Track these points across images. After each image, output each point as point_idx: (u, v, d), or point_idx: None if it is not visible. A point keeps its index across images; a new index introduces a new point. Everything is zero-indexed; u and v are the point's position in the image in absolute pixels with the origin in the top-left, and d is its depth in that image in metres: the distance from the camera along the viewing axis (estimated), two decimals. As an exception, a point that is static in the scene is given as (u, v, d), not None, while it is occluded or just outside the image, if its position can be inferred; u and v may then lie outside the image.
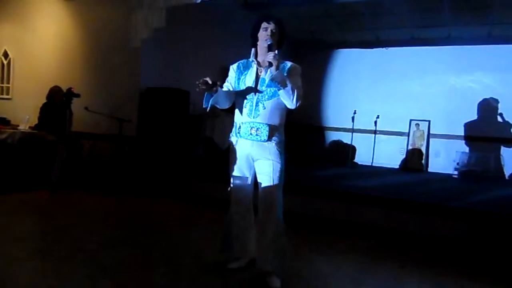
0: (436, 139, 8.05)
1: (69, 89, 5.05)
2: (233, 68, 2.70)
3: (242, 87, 2.59)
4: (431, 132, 8.08)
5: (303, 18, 7.72)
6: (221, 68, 7.22)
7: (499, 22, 7.02)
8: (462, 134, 7.78)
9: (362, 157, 8.20)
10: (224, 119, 6.52)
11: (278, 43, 2.54)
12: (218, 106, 2.59)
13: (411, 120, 8.20)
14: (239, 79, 2.63)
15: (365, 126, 8.09)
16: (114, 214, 4.24)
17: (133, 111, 5.74)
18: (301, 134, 8.98)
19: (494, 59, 7.52)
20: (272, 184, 2.51)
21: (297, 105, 2.46)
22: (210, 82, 2.40)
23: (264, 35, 2.52)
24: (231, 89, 2.65)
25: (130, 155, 5.64)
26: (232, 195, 2.70)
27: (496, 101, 7.56)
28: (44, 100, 5.62)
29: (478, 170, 7.15)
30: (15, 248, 2.91)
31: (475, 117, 7.71)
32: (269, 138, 2.48)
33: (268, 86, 2.50)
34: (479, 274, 3.04)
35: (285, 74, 2.46)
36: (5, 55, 7.00)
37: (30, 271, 2.53)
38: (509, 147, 7.37)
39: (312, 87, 9.19)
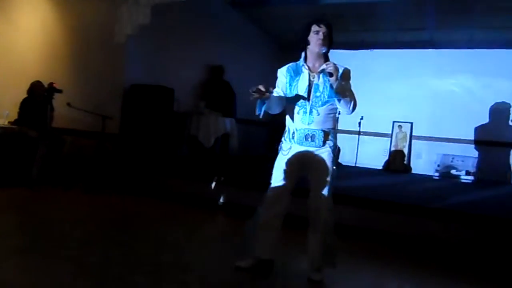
0: (418, 140, 8.18)
1: (51, 84, 4.96)
2: (282, 73, 2.68)
3: (295, 92, 2.59)
4: (413, 134, 8.20)
5: (289, 18, 7.74)
6: (206, 66, 7.25)
7: (481, 26, 7.18)
8: (444, 136, 7.92)
9: (345, 158, 8.28)
10: (208, 117, 6.50)
11: (329, 47, 2.59)
12: (270, 112, 2.62)
13: (394, 122, 8.31)
14: (290, 85, 2.62)
15: (349, 127, 8.16)
16: (95, 212, 4.18)
17: (117, 108, 5.67)
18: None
19: (475, 63, 7.69)
20: (325, 187, 2.57)
21: (355, 110, 2.55)
22: (263, 89, 2.40)
23: (316, 39, 2.57)
24: (282, 95, 2.63)
25: (112, 153, 5.57)
26: (269, 196, 2.69)
27: (479, 104, 7.72)
28: (25, 95, 5.51)
29: (458, 171, 7.31)
30: (-7, 245, 2.85)
31: (456, 119, 7.85)
32: (324, 144, 2.55)
33: (329, 96, 2.53)
34: (460, 274, 3.10)
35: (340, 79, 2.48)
36: (-15, 48, 6.82)
37: (10, 269, 2.48)
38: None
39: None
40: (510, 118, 7.55)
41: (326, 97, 2.53)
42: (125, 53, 5.70)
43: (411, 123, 8.19)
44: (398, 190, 5.48)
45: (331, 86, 2.47)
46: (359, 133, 8.05)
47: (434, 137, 8.00)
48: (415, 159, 8.19)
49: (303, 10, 7.29)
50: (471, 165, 7.46)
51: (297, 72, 2.63)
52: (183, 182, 5.07)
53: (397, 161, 8.12)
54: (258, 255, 2.66)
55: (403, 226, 3.86)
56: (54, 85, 4.93)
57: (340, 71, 2.50)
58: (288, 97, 2.62)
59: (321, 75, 2.53)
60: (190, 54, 6.74)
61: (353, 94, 2.52)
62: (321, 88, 2.55)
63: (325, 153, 2.56)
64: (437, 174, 7.42)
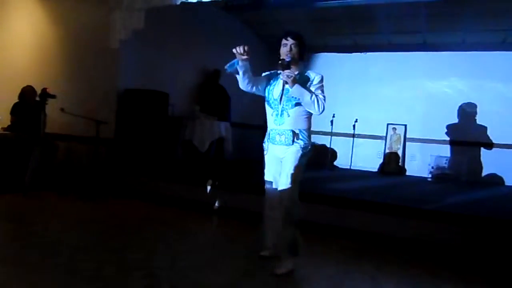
0: (412, 143, 8.22)
1: (44, 90, 4.93)
2: (265, 76, 3.08)
3: (270, 96, 2.93)
4: (407, 136, 8.24)
5: (282, 21, 7.77)
6: (200, 70, 7.25)
7: (473, 29, 7.24)
8: (438, 138, 7.95)
9: (340, 160, 8.30)
10: (203, 121, 6.50)
11: (300, 56, 2.88)
12: (238, 76, 2.88)
13: (388, 124, 8.35)
14: (268, 89, 2.98)
15: (344, 130, 8.19)
16: (89, 217, 4.16)
17: (111, 113, 5.65)
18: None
19: (468, 65, 7.74)
20: (288, 180, 2.78)
21: (322, 111, 2.78)
22: (246, 51, 2.74)
23: (284, 51, 2.85)
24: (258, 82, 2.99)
25: (107, 158, 5.55)
26: (265, 197, 3.02)
27: (471, 106, 7.76)
28: (15, 101, 5.47)
29: (451, 173, 7.34)
30: (-15, 253, 2.82)
31: (449, 121, 7.90)
32: (293, 142, 2.80)
33: (292, 98, 2.81)
34: (452, 275, 3.11)
35: (309, 84, 2.80)
36: (-24, 53, 6.78)
37: (2, 276, 2.45)
38: (487, 150, 7.56)
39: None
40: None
41: (294, 100, 2.80)
42: (119, 58, 5.69)
43: (405, 125, 8.22)
44: (392, 192, 5.50)
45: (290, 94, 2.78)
46: (353, 135, 8.07)
47: (428, 139, 8.04)
48: (410, 161, 8.22)
49: (297, 14, 7.34)
50: (465, 167, 7.49)
51: (275, 79, 2.98)
52: (178, 187, 5.05)
53: (392, 163, 8.15)
54: (269, 245, 3.01)
55: (397, 228, 3.88)
56: (47, 90, 4.91)
57: (311, 76, 2.85)
58: (266, 98, 2.99)
59: (286, 85, 2.81)
60: (185, 58, 6.74)
61: (315, 97, 2.75)
62: (291, 93, 2.79)
63: (293, 150, 2.81)
64: (430, 175, 7.45)
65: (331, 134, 7.92)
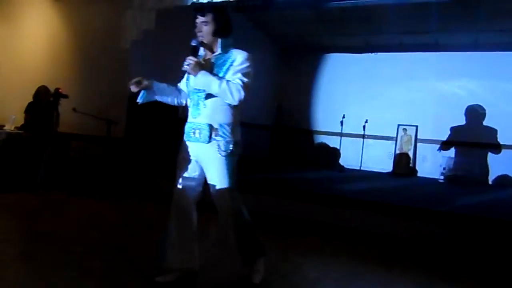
0: (424, 144, 8.15)
1: (57, 90, 5.00)
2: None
3: (187, 84, 2.46)
4: (418, 137, 8.17)
5: (293, 22, 7.77)
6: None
7: (485, 29, 7.15)
8: (449, 139, 7.87)
9: (350, 161, 8.26)
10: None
11: (217, 33, 2.34)
12: (158, 99, 2.55)
13: (398, 125, 8.29)
14: (187, 78, 2.47)
15: (354, 130, 8.15)
16: (100, 216, 4.20)
17: (122, 112, 5.69)
18: (290, 137, 9.04)
19: (480, 66, 7.65)
20: (221, 187, 2.34)
21: (239, 99, 2.24)
22: (137, 80, 2.37)
23: (196, 32, 2.35)
24: (176, 87, 2.56)
25: (117, 157, 5.60)
26: (172, 200, 2.49)
27: (482, 107, 7.67)
28: (31, 100, 5.55)
29: (463, 175, 7.26)
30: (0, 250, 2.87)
31: (461, 122, 7.82)
32: (210, 139, 2.29)
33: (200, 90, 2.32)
34: (462, 278, 3.08)
35: (229, 66, 2.30)
36: (-9, 54, 6.90)
37: (15, 274, 2.49)
38: (495, 153, 7.47)
39: (301, 91, 9.26)
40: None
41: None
42: (130, 58, 5.73)
43: (416, 126, 8.16)
44: (403, 193, 5.46)
45: (218, 73, 2.29)
46: (363, 136, 8.03)
47: (439, 140, 7.96)
48: (421, 162, 8.15)
49: (307, 14, 7.32)
50: (476, 168, 7.40)
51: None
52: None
53: (403, 164, 8.09)
54: (173, 266, 2.51)
55: (407, 230, 3.85)
56: (60, 90, 4.97)
57: (231, 56, 2.32)
58: (186, 89, 2.49)
59: (207, 65, 2.34)
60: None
61: (226, 84, 2.22)
62: (194, 84, 2.35)
63: (212, 152, 2.30)
64: (442, 177, 7.38)
65: (341, 134, 7.90)
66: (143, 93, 2.43)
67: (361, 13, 6.90)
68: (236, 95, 2.23)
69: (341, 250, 3.56)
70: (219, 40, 2.35)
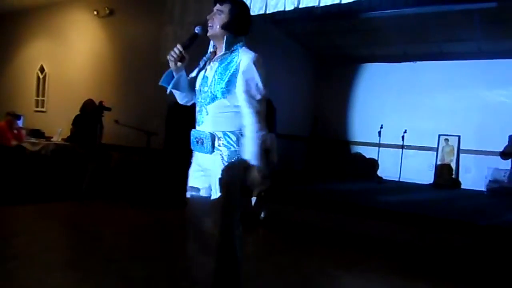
0: (466, 154, 7.84)
1: (100, 103, 5.23)
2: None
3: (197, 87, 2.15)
4: (461, 147, 7.87)
5: (329, 33, 7.75)
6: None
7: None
8: (494, 149, 7.52)
9: (388, 172, 8.07)
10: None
11: (231, 27, 2.05)
12: (178, 93, 2.19)
13: (440, 135, 8.03)
14: (196, 77, 2.18)
15: (392, 141, 7.97)
16: (141, 226, 4.31)
17: (161, 124, 5.85)
18: (327, 148, 8.96)
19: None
20: (216, 203, 2.04)
21: (261, 131, 1.93)
22: (182, 51, 2.01)
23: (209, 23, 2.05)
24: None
25: (157, 168, 5.74)
26: (186, 216, 2.27)
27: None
28: (77, 113, 5.81)
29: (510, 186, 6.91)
30: (46, 257, 3.00)
31: (508, 132, 7.46)
32: (213, 149, 2.01)
33: (220, 91, 1.98)
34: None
35: (234, 72, 1.97)
36: (41, 69, 7.30)
37: (61, 281, 2.60)
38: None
39: (338, 101, 9.19)
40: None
41: (213, 91, 1.99)
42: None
43: (459, 136, 7.88)
44: (446, 206, 5.28)
45: (220, 76, 1.99)
46: (402, 147, 7.84)
47: (484, 151, 7.63)
48: (464, 174, 7.84)
49: (343, 25, 7.28)
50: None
51: (205, 63, 2.16)
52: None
53: (445, 175, 7.81)
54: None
55: (449, 244, 3.71)
56: (103, 103, 5.18)
57: (238, 60, 1.99)
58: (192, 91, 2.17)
59: (212, 65, 2.06)
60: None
61: (255, 139, 1.93)
62: (209, 81, 2.03)
63: (215, 159, 2.01)
64: (486, 189, 7.05)
65: (379, 145, 7.74)
66: (170, 74, 2.10)
67: (399, 22, 6.79)
68: (261, 121, 1.93)
69: (380, 263, 3.47)
70: (229, 37, 2.04)
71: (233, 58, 2.01)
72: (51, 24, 7.25)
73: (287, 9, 4.52)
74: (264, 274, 3.01)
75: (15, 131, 6.05)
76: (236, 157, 2.00)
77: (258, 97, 1.95)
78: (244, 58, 1.97)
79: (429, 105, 8.09)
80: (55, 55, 7.17)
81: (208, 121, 2.03)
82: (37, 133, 6.58)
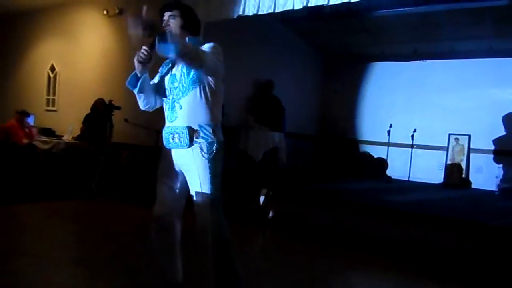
0: (477, 154, 7.75)
1: (110, 102, 5.27)
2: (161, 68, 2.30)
3: (162, 86, 2.19)
4: (471, 146, 7.79)
5: (338, 31, 7.71)
6: (254, 81, 7.35)
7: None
8: (506, 148, 7.43)
9: (398, 172, 8.01)
10: (257, 132, 6.58)
11: (186, 29, 2.14)
12: (142, 96, 2.17)
13: (450, 134, 7.95)
14: (158, 79, 2.24)
15: (401, 140, 7.92)
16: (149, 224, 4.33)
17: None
18: (335, 147, 8.93)
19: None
20: (203, 197, 2.12)
21: (209, 67, 2.02)
22: (148, 52, 2.03)
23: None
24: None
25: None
26: (153, 212, 2.31)
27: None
28: (87, 112, 5.86)
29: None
30: (57, 254, 3.04)
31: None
32: (191, 142, 2.07)
33: (190, 83, 2.06)
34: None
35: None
36: (52, 68, 7.38)
37: (70, 278, 2.63)
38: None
39: (346, 100, 9.14)
40: None
41: (184, 84, 2.07)
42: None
43: (469, 136, 7.79)
44: (455, 206, 5.23)
45: (188, 70, 2.06)
46: (412, 146, 7.78)
47: (495, 150, 7.54)
48: (475, 173, 7.76)
49: (352, 23, 7.24)
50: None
51: (166, 65, 2.23)
52: (233, 196, 5.13)
53: (454, 175, 7.74)
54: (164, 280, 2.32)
55: (460, 244, 3.67)
56: (113, 102, 5.22)
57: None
58: (157, 90, 2.20)
59: (178, 64, 2.13)
60: (240, 69, 6.87)
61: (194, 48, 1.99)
62: (178, 76, 2.10)
63: (195, 156, 2.07)
64: (497, 189, 6.98)
65: (388, 144, 7.69)
66: (134, 78, 2.13)
67: (408, 20, 6.74)
68: (204, 59, 1.98)
69: (389, 264, 3.45)
70: (188, 38, 2.14)
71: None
72: (61, 23, 7.32)
73: (296, 8, 4.50)
74: (272, 274, 3.02)
75: (27, 130, 6.13)
76: (214, 147, 2.10)
77: (218, 60, 2.08)
78: (206, 45, 2.08)
79: (439, 104, 8.01)
80: (66, 54, 7.23)
81: (183, 115, 2.08)
82: (48, 132, 6.66)
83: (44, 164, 5.77)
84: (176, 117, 2.09)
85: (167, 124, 2.15)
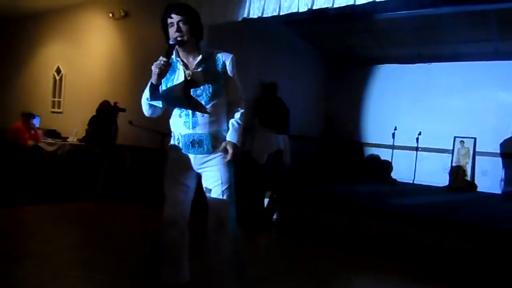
0: (483, 157, 7.72)
1: (115, 104, 5.29)
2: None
3: (171, 93, 2.20)
4: (477, 149, 7.76)
5: (343, 34, 7.71)
6: (258, 83, 7.36)
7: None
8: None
9: (402, 175, 7.99)
10: (262, 134, 6.57)
11: (194, 34, 2.17)
12: (159, 103, 2.16)
13: (455, 137, 7.92)
14: (166, 85, 2.22)
15: (406, 143, 7.90)
16: (154, 225, 4.33)
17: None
18: (339, 150, 8.91)
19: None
20: (222, 197, 2.22)
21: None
22: (168, 63, 2.08)
23: (172, 33, 2.14)
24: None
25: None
26: (164, 214, 2.34)
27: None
28: (92, 113, 5.89)
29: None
30: (61, 256, 3.05)
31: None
32: (214, 149, 2.18)
33: (213, 93, 2.15)
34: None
35: (221, 71, 2.19)
36: (58, 71, 7.43)
37: (74, 280, 2.64)
38: None
39: (350, 103, 9.13)
40: None
41: (209, 94, 2.14)
42: (182, 73, 5.92)
43: (474, 138, 7.76)
44: (461, 209, 5.21)
45: (213, 81, 2.15)
46: (417, 149, 7.76)
47: (502, 153, 7.49)
48: (480, 176, 7.72)
49: (356, 25, 7.23)
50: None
51: (172, 70, 2.20)
52: (237, 199, 5.13)
53: (460, 178, 7.71)
54: (170, 282, 2.34)
55: (464, 248, 3.65)
56: (117, 104, 5.24)
57: (222, 59, 2.20)
58: (166, 97, 2.18)
59: (198, 71, 2.16)
60: (244, 72, 6.87)
61: (240, 123, 2.28)
62: (201, 84, 2.15)
63: (217, 158, 2.20)
64: (502, 192, 6.93)
65: (393, 147, 7.67)
66: (153, 88, 2.16)
67: (412, 22, 6.73)
68: (244, 101, 2.30)
69: (393, 267, 3.44)
70: (201, 43, 2.21)
71: (216, 61, 2.20)
72: (67, 26, 7.37)
73: (300, 10, 4.50)
74: (276, 277, 3.01)
75: (32, 131, 6.17)
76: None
77: (243, 95, 2.31)
78: (228, 60, 2.21)
79: (444, 107, 7.99)
80: (71, 56, 7.28)
81: (205, 122, 2.15)
82: (53, 134, 6.70)
83: (50, 166, 5.80)
84: (197, 124, 2.15)
85: (184, 130, 2.18)
